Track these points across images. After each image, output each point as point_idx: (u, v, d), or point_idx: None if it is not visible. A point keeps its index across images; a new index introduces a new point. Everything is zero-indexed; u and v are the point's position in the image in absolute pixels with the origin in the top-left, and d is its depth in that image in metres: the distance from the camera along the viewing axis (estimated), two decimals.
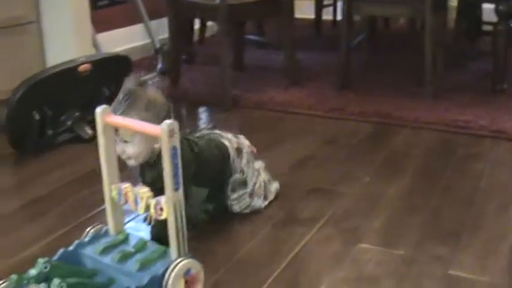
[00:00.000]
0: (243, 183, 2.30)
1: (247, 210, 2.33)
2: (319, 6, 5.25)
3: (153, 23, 4.45)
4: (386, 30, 5.24)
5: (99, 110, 1.82)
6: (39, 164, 2.83)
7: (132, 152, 1.98)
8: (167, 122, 1.68)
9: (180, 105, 3.65)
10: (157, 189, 1.81)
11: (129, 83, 2.00)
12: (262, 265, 2.00)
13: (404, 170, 2.69)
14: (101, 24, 4.04)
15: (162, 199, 1.74)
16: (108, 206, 1.90)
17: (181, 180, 1.73)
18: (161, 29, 4.41)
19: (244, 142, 2.36)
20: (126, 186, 1.84)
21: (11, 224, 2.32)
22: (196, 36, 4.75)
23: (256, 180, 2.34)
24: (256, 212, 2.34)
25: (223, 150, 2.24)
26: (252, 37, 4.64)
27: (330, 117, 3.33)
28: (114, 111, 1.90)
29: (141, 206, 1.80)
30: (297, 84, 3.77)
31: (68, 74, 3.01)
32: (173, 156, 1.69)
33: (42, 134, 2.96)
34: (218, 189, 2.27)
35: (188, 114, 3.57)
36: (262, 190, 2.36)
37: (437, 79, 3.52)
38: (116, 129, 1.92)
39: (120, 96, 1.97)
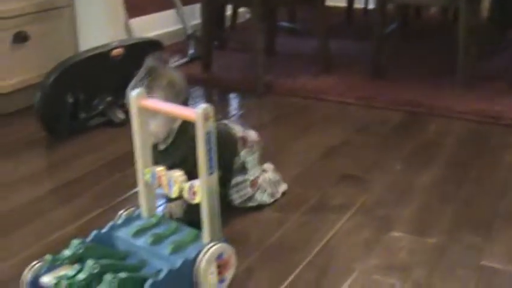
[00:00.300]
0: (242, 168, 2.24)
1: (250, 203, 2.26)
2: None
3: (186, 9, 4.45)
4: (417, 19, 5.21)
5: (133, 93, 1.83)
6: (71, 147, 2.86)
7: (152, 129, 1.98)
8: (203, 106, 1.68)
9: (212, 91, 3.67)
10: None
11: (150, 62, 2.01)
12: (294, 251, 2.01)
13: (436, 159, 2.68)
14: (133, 9, 4.05)
15: (196, 183, 1.75)
16: (141, 189, 1.91)
17: (215, 164, 1.73)
18: (193, 14, 4.42)
19: (251, 134, 2.31)
20: (159, 169, 1.85)
21: (44, 207, 2.34)
22: (227, 23, 4.75)
23: (259, 174, 2.28)
24: (287, 198, 2.34)
25: (233, 136, 2.22)
26: (284, 24, 4.63)
27: (361, 105, 3.33)
28: (135, 88, 1.96)
29: (174, 189, 1.81)
30: (329, 71, 3.77)
31: (100, 58, 3.03)
32: (208, 140, 1.69)
33: (74, 117, 2.98)
34: (229, 176, 2.22)
35: (220, 100, 3.58)
36: (268, 186, 2.30)
37: (470, 68, 3.50)
38: None
39: (142, 73, 1.99)
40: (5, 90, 3.17)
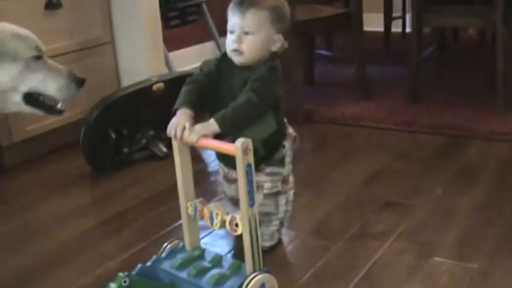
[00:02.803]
0: (281, 161, 2.13)
1: (271, 200, 2.13)
2: (388, 19, 5.25)
3: (224, 40, 4.48)
4: (455, 42, 5.20)
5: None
6: (115, 182, 2.90)
7: (249, 47, 1.96)
8: (241, 139, 1.71)
9: None
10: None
11: None
12: (337, 279, 2.02)
13: (478, 183, 2.67)
14: (172, 42, 4.11)
15: (237, 215, 1.78)
16: (184, 222, 1.95)
17: (256, 197, 1.76)
18: None
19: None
20: (201, 202, 1.90)
21: (90, 240, 2.39)
22: None
23: (290, 174, 2.18)
24: (330, 226, 2.36)
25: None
26: (321, 52, 4.66)
27: (400, 131, 3.33)
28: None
29: (216, 222, 1.85)
30: (367, 97, 3.78)
31: (142, 93, 3.08)
32: (248, 173, 1.73)
33: (118, 152, 3.03)
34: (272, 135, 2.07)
35: None
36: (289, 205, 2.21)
37: (509, 90, 3.48)
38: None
39: None
40: (51, 126, 3.24)
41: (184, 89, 2.01)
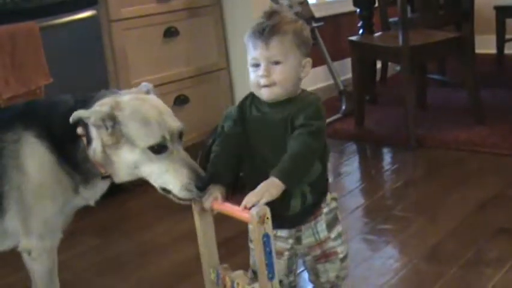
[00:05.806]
0: (336, 218, 1.85)
1: (345, 264, 1.87)
2: (500, 41, 5.17)
3: (336, 64, 4.52)
4: None
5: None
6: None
7: (280, 77, 1.72)
8: (259, 206, 1.56)
9: (365, 146, 3.71)
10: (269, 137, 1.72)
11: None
12: None
13: None
14: None
15: (258, 286, 1.64)
16: None
17: (275, 270, 1.60)
18: (343, 69, 4.50)
19: None
20: (224, 269, 1.81)
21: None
22: (378, 76, 4.78)
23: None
24: (443, 252, 2.36)
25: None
26: (434, 76, 4.63)
27: None
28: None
29: None
30: (481, 122, 3.73)
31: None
32: (266, 244, 1.57)
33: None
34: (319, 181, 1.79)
35: (373, 155, 3.63)
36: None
37: None
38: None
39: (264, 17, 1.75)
40: None
41: (212, 157, 1.88)
